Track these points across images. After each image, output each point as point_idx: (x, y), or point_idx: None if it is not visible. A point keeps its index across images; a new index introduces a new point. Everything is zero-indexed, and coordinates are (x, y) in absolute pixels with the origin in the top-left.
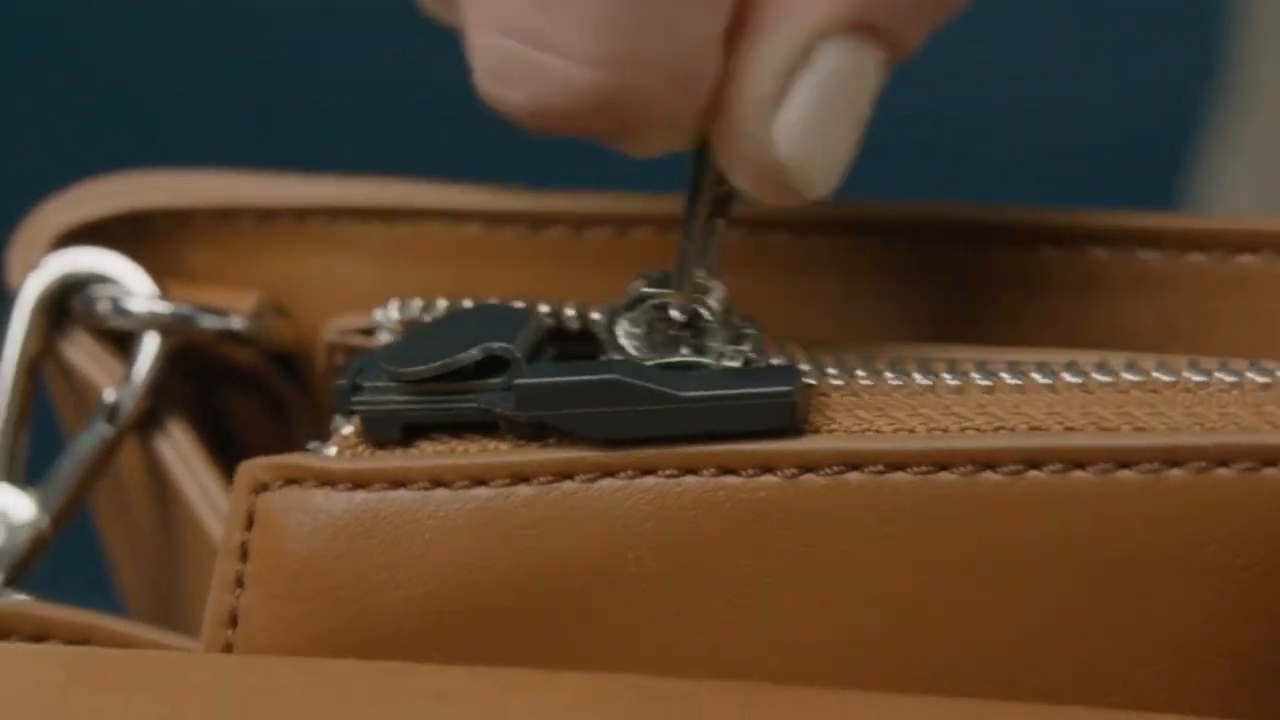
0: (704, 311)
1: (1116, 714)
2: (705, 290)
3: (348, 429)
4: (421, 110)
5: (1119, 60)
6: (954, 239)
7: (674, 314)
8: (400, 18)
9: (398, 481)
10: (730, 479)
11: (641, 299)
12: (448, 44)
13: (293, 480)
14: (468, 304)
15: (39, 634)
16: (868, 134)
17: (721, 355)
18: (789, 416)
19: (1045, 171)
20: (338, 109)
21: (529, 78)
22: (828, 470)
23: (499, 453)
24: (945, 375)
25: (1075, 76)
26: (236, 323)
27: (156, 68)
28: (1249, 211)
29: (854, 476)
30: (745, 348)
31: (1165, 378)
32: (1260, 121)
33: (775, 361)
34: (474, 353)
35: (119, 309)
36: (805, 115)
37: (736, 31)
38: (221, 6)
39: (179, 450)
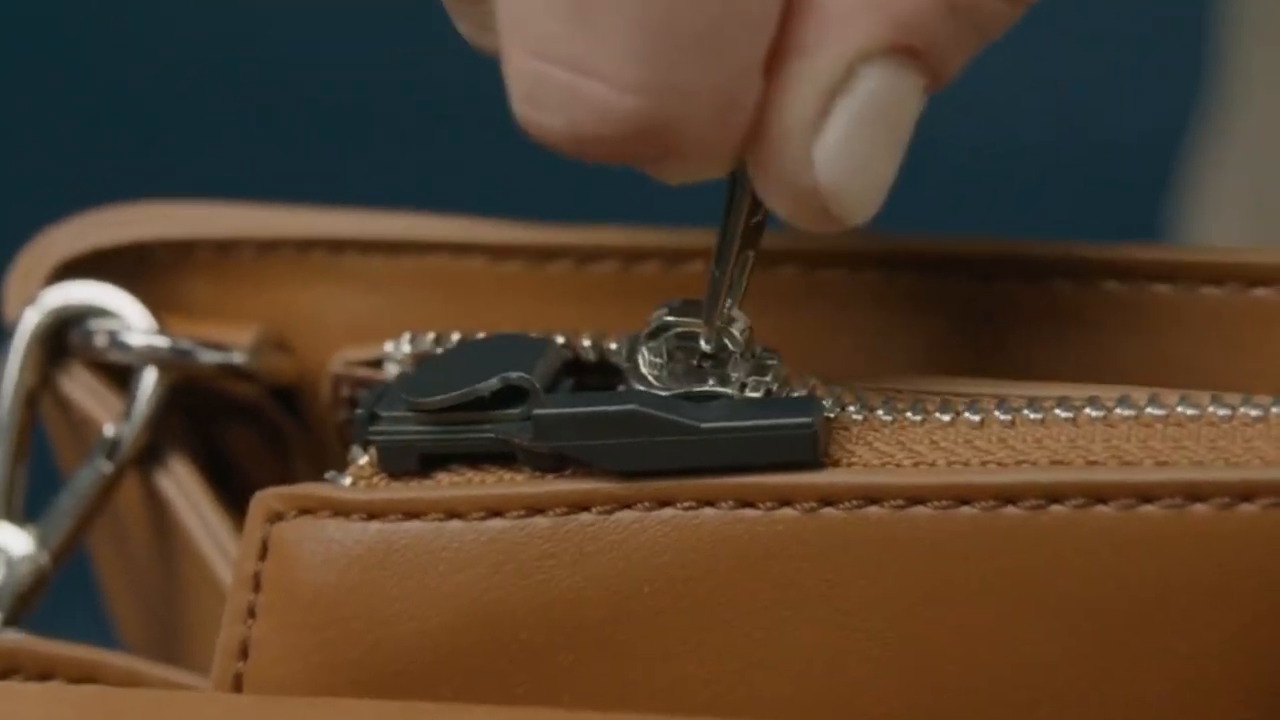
0: (728, 342)
1: None
2: (731, 321)
3: (364, 459)
4: (421, 110)
5: (1113, 65)
6: (964, 272)
7: (702, 344)
8: (400, 18)
9: (412, 513)
10: (749, 512)
11: (665, 328)
12: (447, 44)
13: (307, 510)
14: (481, 335)
15: (44, 672)
16: None
17: (744, 386)
18: (810, 449)
19: (1036, 182)
20: (338, 109)
21: (567, 103)
22: (847, 504)
23: (515, 484)
24: (965, 411)
25: (1063, 83)
26: (236, 357)
27: (156, 68)
28: (1248, 237)
29: (874, 510)
30: (767, 378)
31: (1189, 411)
32: (1251, 128)
33: (797, 394)
34: (493, 382)
35: (117, 343)
36: (846, 139)
37: (776, 55)
38: (222, 7)
39: (180, 485)
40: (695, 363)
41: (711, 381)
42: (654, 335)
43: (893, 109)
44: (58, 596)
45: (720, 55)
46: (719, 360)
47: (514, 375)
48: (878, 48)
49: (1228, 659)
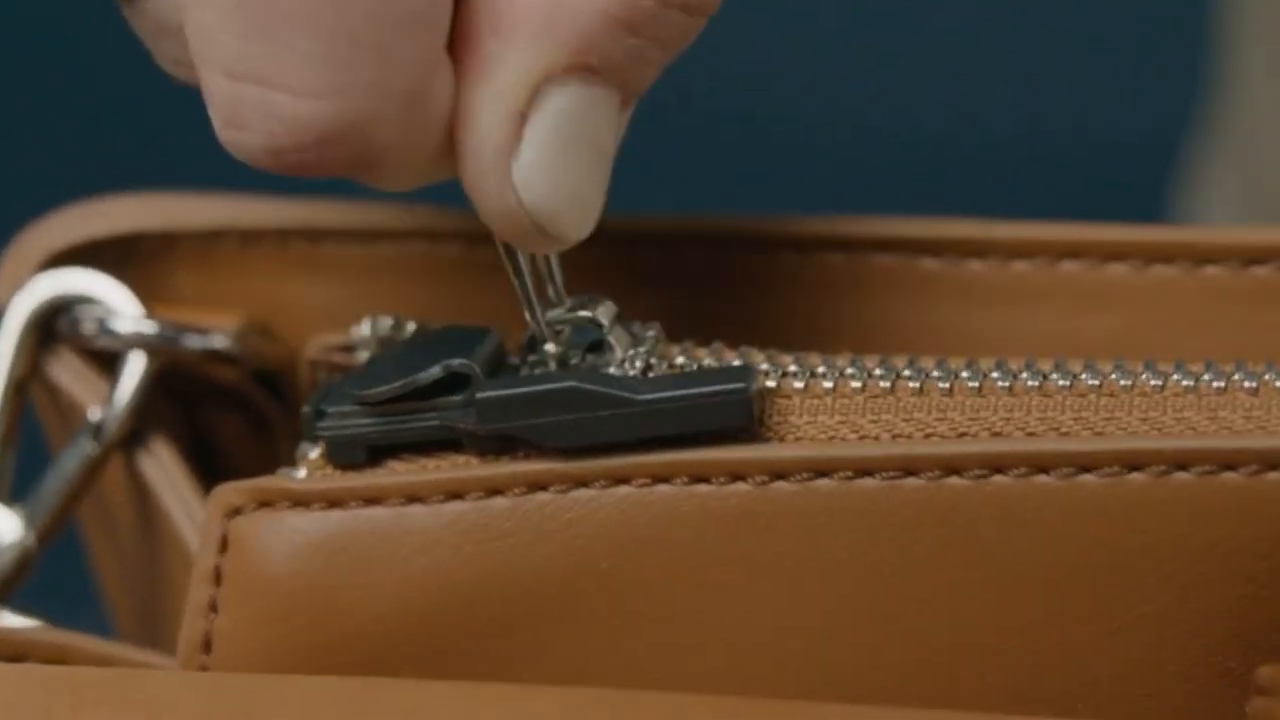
0: (600, 329)
1: None
2: (560, 320)
3: (315, 453)
4: None
5: (1108, 69)
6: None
7: (547, 347)
8: None
9: (372, 499)
10: (701, 487)
11: (529, 338)
12: None
13: (265, 503)
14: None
15: (16, 655)
16: (861, 149)
17: (624, 362)
18: (745, 413)
19: (1034, 179)
20: None
21: (261, 118)
22: (797, 477)
23: (471, 467)
24: (906, 372)
25: (1061, 84)
26: (220, 342)
27: (146, 62)
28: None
29: (823, 483)
30: (642, 349)
31: (1122, 381)
32: (1248, 128)
33: (735, 362)
34: (435, 371)
35: (105, 329)
36: (541, 158)
37: (463, 78)
38: None
39: (163, 468)
40: (579, 355)
41: (610, 368)
42: (531, 347)
43: (586, 126)
44: (61, 583)
45: (393, 52)
46: (598, 346)
47: (455, 362)
48: (556, 68)
49: (1165, 627)
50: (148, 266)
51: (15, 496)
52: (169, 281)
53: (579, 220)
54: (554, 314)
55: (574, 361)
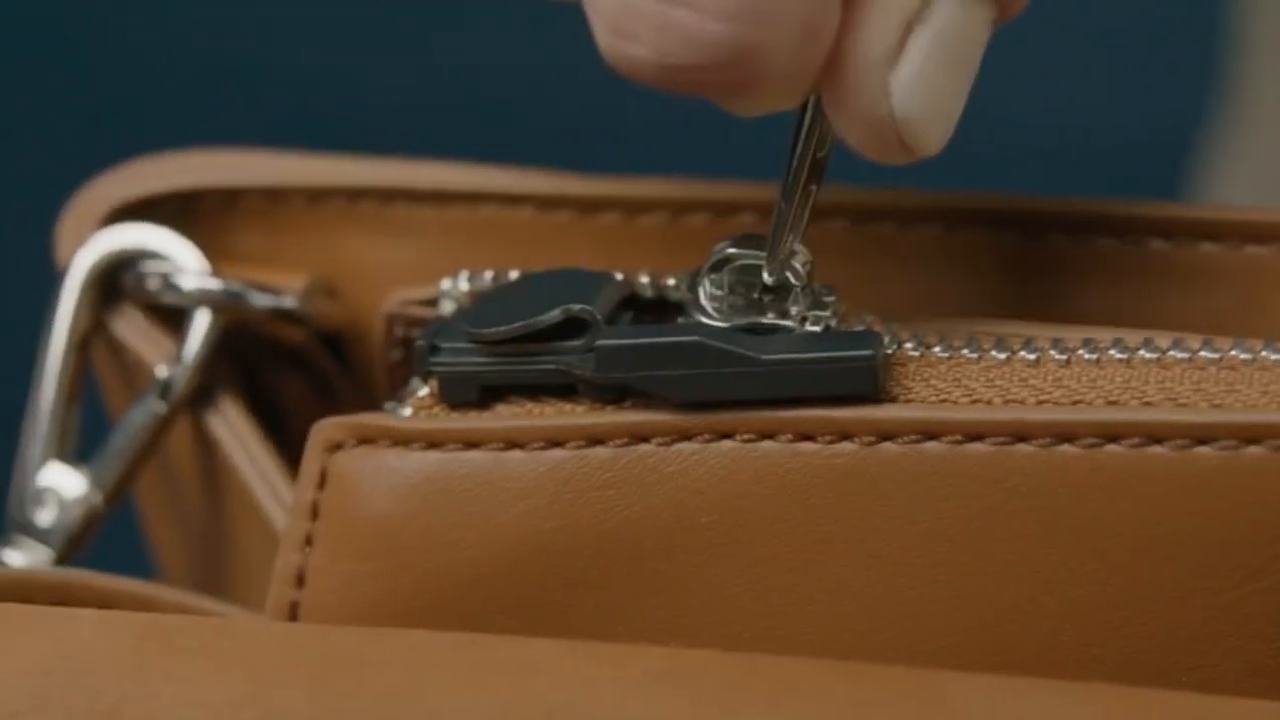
0: (790, 275)
1: (1186, 695)
2: (793, 254)
3: (424, 391)
4: (423, 110)
5: (1121, 66)
6: (1016, 228)
7: (765, 277)
8: (400, 18)
9: (472, 442)
10: (807, 445)
11: (727, 260)
12: (447, 43)
13: (367, 440)
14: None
15: (104, 604)
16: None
17: (804, 319)
18: (870, 381)
19: (1046, 177)
20: (336, 109)
21: (656, 32)
22: (905, 439)
23: (574, 415)
24: (1021, 350)
25: (1072, 83)
26: (288, 301)
27: (160, 64)
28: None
29: (932, 446)
30: (826, 313)
31: (1242, 355)
32: (1258, 137)
33: (857, 329)
34: (554, 314)
35: (170, 285)
36: (921, 70)
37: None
38: (227, 7)
39: (232, 427)
40: (756, 296)
41: (771, 315)
42: (716, 268)
43: (963, 40)
44: (109, 547)
45: None
46: (779, 294)
47: (576, 307)
48: None
49: (1273, 603)
50: (210, 223)
51: (77, 457)
52: (232, 238)
53: (941, 134)
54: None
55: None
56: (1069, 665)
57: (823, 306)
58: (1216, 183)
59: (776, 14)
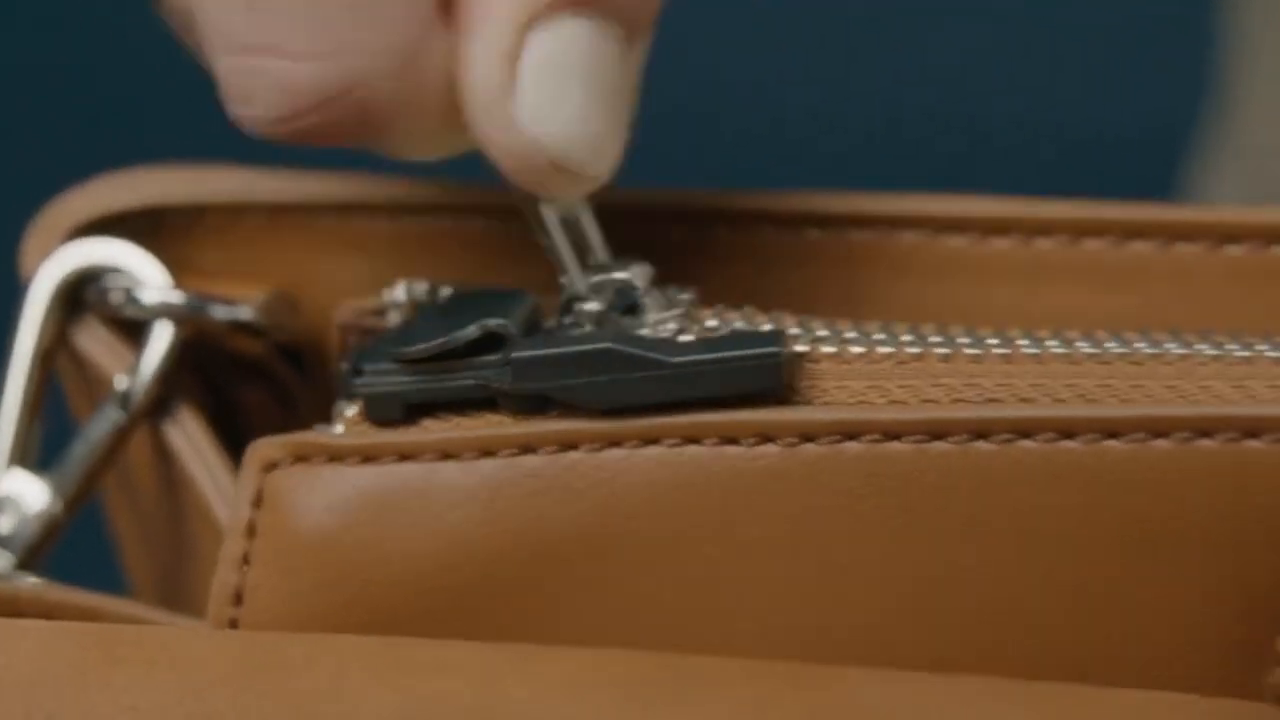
0: (635, 291)
1: (1090, 689)
2: (605, 269)
3: (351, 411)
4: None
5: (1115, 64)
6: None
7: (587, 305)
8: None
9: (406, 455)
10: (731, 448)
11: (568, 298)
12: None
13: (302, 458)
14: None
15: (47, 615)
16: (869, 146)
17: (658, 324)
18: (776, 377)
19: (1041, 174)
20: None
21: (264, 89)
22: (827, 439)
23: (505, 425)
24: (934, 339)
25: (1066, 80)
26: (247, 313)
27: (159, 63)
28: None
29: (852, 446)
30: (676, 312)
31: (1149, 350)
32: (1252, 135)
33: (765, 327)
34: (471, 330)
35: (132, 299)
36: (550, 96)
37: (456, 34)
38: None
39: (189, 437)
40: (616, 316)
41: (644, 331)
42: (566, 308)
43: (583, 58)
44: (79, 552)
45: (383, 10)
46: (634, 309)
47: (492, 322)
48: (540, 6)
49: (1187, 595)
50: (174, 239)
51: (40, 466)
52: (194, 253)
53: (592, 154)
54: (591, 278)
55: (608, 323)
56: (988, 660)
57: (675, 306)
58: (1209, 180)
59: (362, 43)
